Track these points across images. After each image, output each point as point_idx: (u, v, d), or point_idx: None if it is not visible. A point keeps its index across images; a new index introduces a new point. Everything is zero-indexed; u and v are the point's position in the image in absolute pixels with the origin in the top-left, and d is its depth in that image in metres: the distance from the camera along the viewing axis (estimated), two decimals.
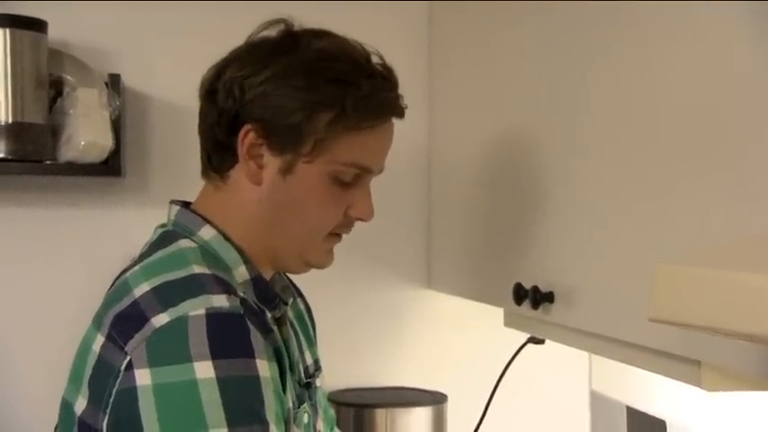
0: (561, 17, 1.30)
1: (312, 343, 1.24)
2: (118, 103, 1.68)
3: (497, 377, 1.65)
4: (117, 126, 1.68)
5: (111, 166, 1.68)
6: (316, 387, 1.18)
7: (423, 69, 1.90)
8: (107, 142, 1.65)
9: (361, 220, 1.10)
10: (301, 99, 1.01)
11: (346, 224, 1.10)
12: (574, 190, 1.26)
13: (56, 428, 1.06)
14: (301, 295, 1.28)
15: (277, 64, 1.03)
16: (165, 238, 1.06)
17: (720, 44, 0.94)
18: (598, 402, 1.92)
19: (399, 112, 1.09)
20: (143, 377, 0.89)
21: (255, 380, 0.90)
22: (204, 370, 0.88)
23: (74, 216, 1.77)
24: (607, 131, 1.17)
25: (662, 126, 1.04)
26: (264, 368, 0.92)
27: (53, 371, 1.73)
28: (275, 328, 1.04)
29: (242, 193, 1.06)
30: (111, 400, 0.91)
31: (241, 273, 1.04)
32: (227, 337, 0.91)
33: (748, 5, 0.88)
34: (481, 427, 1.70)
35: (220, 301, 0.93)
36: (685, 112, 1.00)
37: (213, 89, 1.07)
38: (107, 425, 0.92)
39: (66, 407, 1.00)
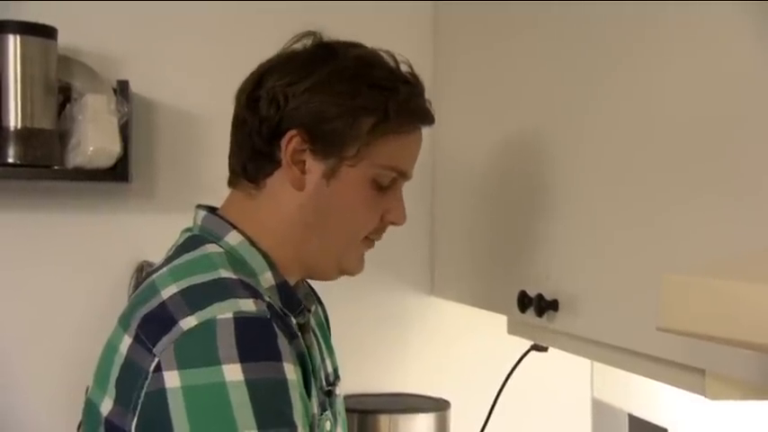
0: (569, 20, 1.29)
1: (332, 351, 1.25)
2: (126, 109, 1.70)
3: (500, 384, 1.65)
4: (125, 132, 1.69)
5: (118, 172, 1.69)
6: (335, 395, 1.19)
7: (427, 72, 1.88)
8: (115, 148, 1.66)
9: (395, 224, 1.13)
10: (345, 105, 1.04)
11: (380, 229, 1.13)
12: (580, 197, 1.27)
13: (79, 428, 1.06)
14: (321, 303, 1.29)
15: (319, 72, 1.05)
16: (192, 242, 1.06)
17: (735, 51, 0.93)
18: (600, 410, 1.93)
19: (432, 118, 1.14)
20: (172, 379, 0.90)
21: (284, 383, 0.91)
22: (233, 373, 0.89)
23: (81, 221, 1.78)
24: (614, 139, 1.17)
25: (670, 135, 1.05)
26: (291, 372, 0.93)
27: (61, 373, 1.75)
28: (299, 334, 1.05)
29: (281, 199, 1.07)
30: (141, 401, 0.92)
31: (267, 278, 1.05)
32: (254, 341, 0.92)
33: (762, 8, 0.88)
34: None
35: (248, 305, 0.94)
36: (695, 120, 1.00)
37: (255, 97, 1.07)
38: (136, 426, 0.93)
39: (92, 407, 1.01)
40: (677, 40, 1.04)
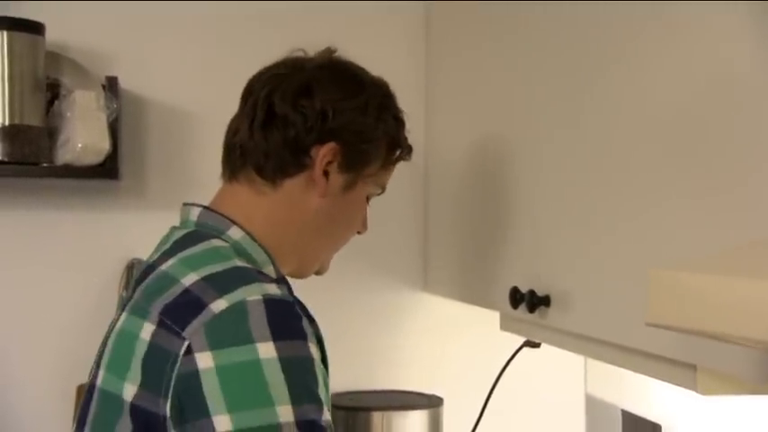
0: (563, 20, 1.30)
1: None
2: (115, 105, 1.69)
3: (493, 380, 1.65)
4: (114, 129, 1.68)
5: (107, 169, 1.68)
6: None
7: (419, 72, 1.90)
8: (104, 145, 1.65)
9: (361, 232, 1.26)
10: (380, 129, 1.18)
11: None
12: (571, 194, 1.26)
13: (80, 422, 1.06)
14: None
15: (362, 95, 1.17)
16: (193, 237, 1.09)
17: (713, 47, 0.94)
18: (593, 406, 1.93)
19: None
20: (204, 360, 0.93)
21: (311, 361, 0.97)
22: (266, 350, 0.93)
23: (70, 218, 1.77)
24: (604, 136, 1.17)
25: (660, 132, 1.04)
26: (314, 351, 0.98)
27: (51, 371, 1.74)
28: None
29: (298, 201, 1.15)
30: (172, 384, 0.94)
31: (269, 272, 1.10)
32: (284, 321, 0.97)
33: (741, 7, 0.88)
34: (477, 430, 1.70)
35: (272, 288, 0.99)
36: (683, 117, 1.00)
37: (305, 104, 1.13)
38: (170, 408, 0.94)
39: (108, 396, 1.01)
40: (663, 40, 1.03)
